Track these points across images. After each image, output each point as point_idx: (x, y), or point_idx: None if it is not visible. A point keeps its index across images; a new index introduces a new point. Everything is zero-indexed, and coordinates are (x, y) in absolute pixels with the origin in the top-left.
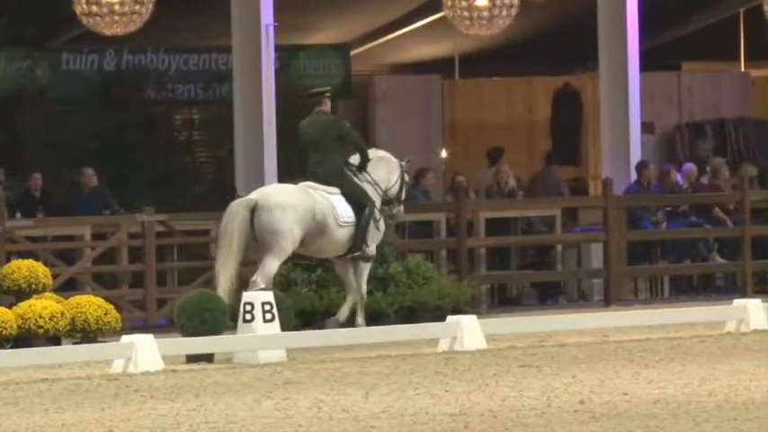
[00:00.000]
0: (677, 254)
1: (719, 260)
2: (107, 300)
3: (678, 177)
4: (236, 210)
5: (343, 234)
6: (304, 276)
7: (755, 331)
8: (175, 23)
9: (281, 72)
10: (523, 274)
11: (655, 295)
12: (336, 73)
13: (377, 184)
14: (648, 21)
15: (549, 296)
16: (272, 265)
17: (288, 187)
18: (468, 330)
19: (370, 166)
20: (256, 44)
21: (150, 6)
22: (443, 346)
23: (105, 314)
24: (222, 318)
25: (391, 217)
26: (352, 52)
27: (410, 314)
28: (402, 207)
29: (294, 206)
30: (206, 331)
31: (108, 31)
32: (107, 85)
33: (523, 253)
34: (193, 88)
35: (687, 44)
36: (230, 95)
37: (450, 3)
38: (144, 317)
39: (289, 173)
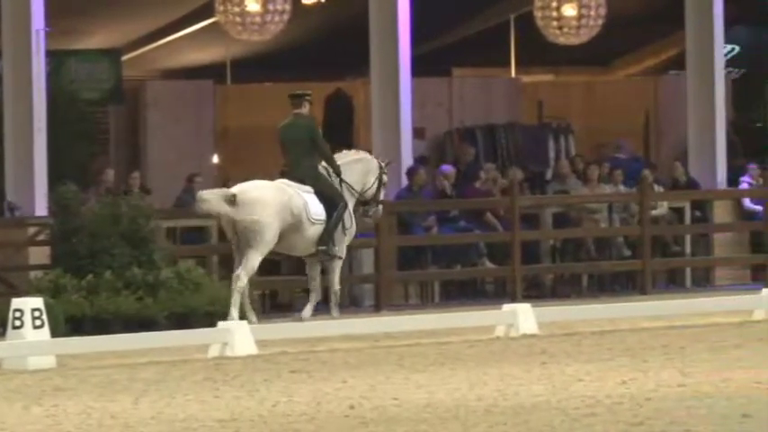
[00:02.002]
0: (448, 259)
1: (490, 265)
2: None
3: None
4: (217, 203)
5: (314, 231)
6: (74, 282)
7: (524, 336)
8: None
9: (51, 77)
10: (295, 281)
11: (425, 300)
12: (107, 78)
13: (352, 187)
14: (420, 27)
15: (320, 302)
16: (254, 259)
17: (265, 183)
18: (238, 336)
19: (345, 168)
20: (27, 49)
21: None
22: (214, 351)
23: None
24: None
25: (368, 217)
26: (124, 57)
27: (181, 320)
28: (380, 207)
29: (272, 201)
30: None
31: None
32: None
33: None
34: None
35: (458, 50)
36: (0, 101)
37: (222, 8)
38: None
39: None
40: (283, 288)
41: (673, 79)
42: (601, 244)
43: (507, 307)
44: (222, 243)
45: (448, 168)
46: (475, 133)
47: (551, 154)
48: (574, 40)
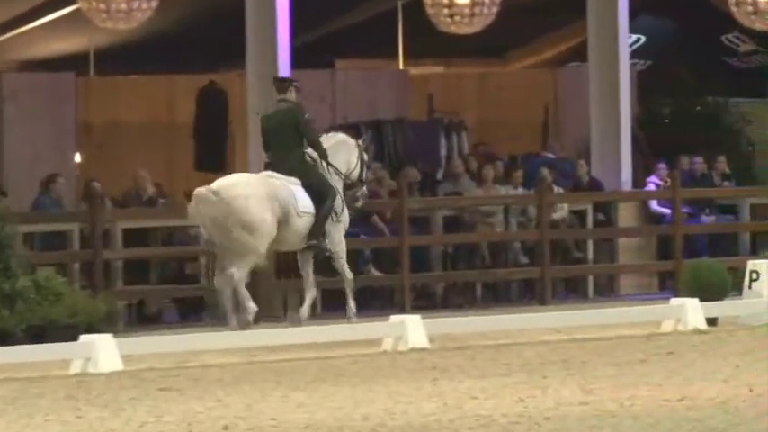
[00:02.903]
0: (330, 266)
1: (376, 273)
2: None
3: None
4: (205, 201)
5: (302, 224)
6: None
7: (414, 349)
8: None
9: None
10: (164, 290)
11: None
12: None
13: (338, 170)
14: (300, 14)
15: (191, 313)
16: (251, 259)
17: (248, 176)
18: (102, 350)
19: (330, 151)
20: None
21: None
22: (76, 367)
23: None
24: None
25: (356, 200)
26: None
27: (40, 333)
28: (365, 188)
29: (256, 193)
30: None
31: None
32: None
33: (164, 266)
34: None
35: (342, 40)
36: None
37: None
38: None
39: None
40: (151, 298)
41: (573, 71)
42: (496, 250)
43: (395, 318)
44: (85, 250)
45: None
46: (360, 130)
47: (443, 152)
48: (467, 30)
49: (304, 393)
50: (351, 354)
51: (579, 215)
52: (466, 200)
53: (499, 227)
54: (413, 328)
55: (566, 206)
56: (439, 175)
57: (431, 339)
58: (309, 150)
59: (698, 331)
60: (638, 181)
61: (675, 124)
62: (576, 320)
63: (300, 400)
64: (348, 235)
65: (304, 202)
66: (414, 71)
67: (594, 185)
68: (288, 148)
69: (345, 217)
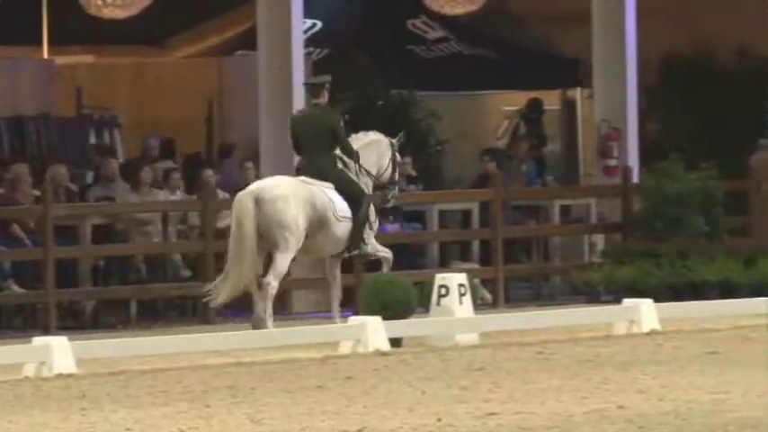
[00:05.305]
0: None
1: (17, 289)
2: None
3: None
4: (246, 204)
5: (342, 229)
6: None
7: (60, 376)
8: None
9: None
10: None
11: None
12: None
13: (369, 172)
14: None
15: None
16: (282, 262)
17: (286, 179)
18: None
19: (361, 152)
20: None
21: None
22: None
23: None
24: None
25: (386, 202)
26: None
27: None
28: (397, 190)
29: (295, 196)
30: None
31: None
32: None
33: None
34: None
35: None
36: None
37: None
38: None
39: None
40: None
41: (241, 61)
42: (154, 263)
43: (38, 340)
44: None
45: None
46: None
47: (93, 152)
48: (120, 14)
49: None
50: None
51: None
52: (119, 206)
53: (157, 237)
54: (59, 352)
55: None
56: (89, 178)
57: (79, 364)
58: (339, 152)
59: (380, 353)
60: None
61: (357, 120)
62: (243, 342)
63: None
64: None
65: (342, 206)
66: (60, 60)
67: None
68: (320, 153)
69: (376, 224)
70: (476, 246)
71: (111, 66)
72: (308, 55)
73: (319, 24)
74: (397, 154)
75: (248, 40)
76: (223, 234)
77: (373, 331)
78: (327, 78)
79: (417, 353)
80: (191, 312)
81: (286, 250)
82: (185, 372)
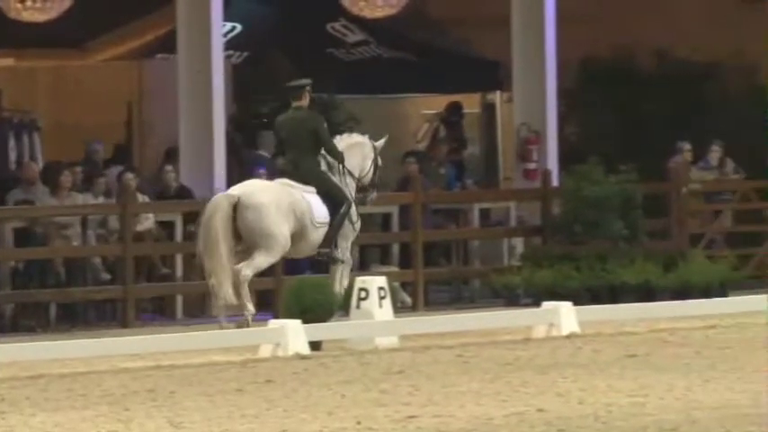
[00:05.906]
0: None
1: None
2: None
3: None
4: (220, 205)
5: (319, 235)
6: None
7: None
8: None
9: None
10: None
11: None
12: None
13: (351, 173)
14: None
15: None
16: (261, 260)
17: (268, 184)
18: None
19: (345, 154)
20: None
21: None
22: None
23: None
24: None
25: (363, 203)
26: None
27: None
28: (375, 193)
29: (278, 204)
30: None
31: None
32: None
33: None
34: None
35: None
36: None
37: None
38: None
39: None
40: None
41: (161, 64)
42: (73, 266)
43: None
44: None
45: None
46: None
47: (12, 156)
48: (40, 17)
49: None
50: None
51: (168, 227)
52: (38, 209)
53: (76, 240)
54: None
55: (152, 217)
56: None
57: None
58: (323, 153)
59: (300, 357)
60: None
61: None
62: (162, 345)
63: None
64: None
65: (320, 213)
66: None
67: (184, 193)
68: (304, 156)
69: (358, 225)
70: (396, 249)
71: (31, 69)
72: (227, 58)
73: (239, 27)
74: (378, 158)
75: (168, 44)
76: (142, 237)
77: (293, 335)
78: (308, 81)
79: (337, 356)
80: (110, 316)
81: (268, 254)
82: (105, 375)
